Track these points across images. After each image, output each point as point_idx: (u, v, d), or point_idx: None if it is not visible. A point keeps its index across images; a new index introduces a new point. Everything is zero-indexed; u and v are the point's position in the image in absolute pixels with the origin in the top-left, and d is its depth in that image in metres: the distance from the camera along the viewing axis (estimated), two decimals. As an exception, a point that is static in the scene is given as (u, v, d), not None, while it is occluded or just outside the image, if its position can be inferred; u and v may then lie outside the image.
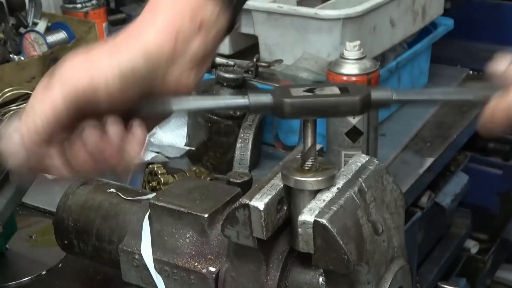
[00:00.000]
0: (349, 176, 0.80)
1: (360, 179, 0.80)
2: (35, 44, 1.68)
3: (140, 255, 0.93)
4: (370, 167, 0.82)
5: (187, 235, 0.90)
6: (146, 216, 0.94)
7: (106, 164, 0.69)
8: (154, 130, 1.45)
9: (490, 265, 2.22)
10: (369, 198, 0.80)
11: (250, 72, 1.44)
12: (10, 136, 0.69)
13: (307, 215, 0.75)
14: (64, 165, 0.69)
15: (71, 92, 0.66)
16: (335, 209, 0.75)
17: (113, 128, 0.68)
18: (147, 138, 0.71)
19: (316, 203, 0.76)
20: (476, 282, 2.15)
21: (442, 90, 0.82)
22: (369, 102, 0.73)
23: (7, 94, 1.51)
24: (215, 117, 1.39)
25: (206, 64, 0.74)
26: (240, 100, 0.74)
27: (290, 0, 1.66)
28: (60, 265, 1.17)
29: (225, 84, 1.40)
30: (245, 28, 1.58)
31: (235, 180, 1.03)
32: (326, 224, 0.73)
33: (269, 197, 0.77)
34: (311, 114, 0.74)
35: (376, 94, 0.74)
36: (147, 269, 0.93)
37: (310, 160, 0.77)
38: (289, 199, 0.80)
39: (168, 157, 1.45)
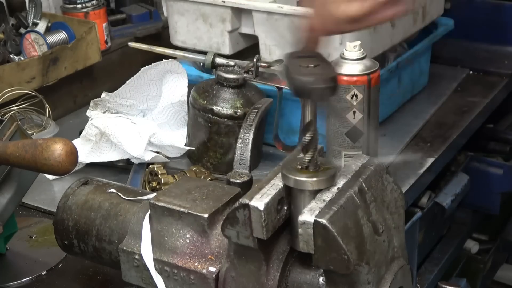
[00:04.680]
0: (349, 176, 0.80)
1: (360, 179, 0.80)
2: (35, 45, 1.68)
3: (140, 255, 0.93)
4: (370, 167, 0.82)
5: (187, 235, 0.90)
6: (146, 216, 0.94)
7: None
8: (154, 130, 1.45)
9: (490, 265, 2.22)
10: (369, 198, 0.80)
11: (250, 72, 1.44)
12: None
13: (307, 215, 0.75)
14: None
15: None
16: (335, 209, 0.75)
17: None
18: None
19: (316, 203, 0.76)
20: (476, 282, 2.15)
21: None
22: None
23: (7, 94, 1.51)
24: (215, 117, 1.39)
25: None
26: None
27: (290, 0, 1.66)
28: (60, 265, 1.17)
29: (225, 84, 1.40)
30: (245, 28, 1.58)
31: (235, 180, 1.03)
32: (327, 224, 0.73)
33: (269, 197, 0.77)
34: None
35: None
36: (147, 269, 0.93)
37: (308, 136, 0.77)
38: (289, 199, 0.80)
39: (168, 157, 1.45)
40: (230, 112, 1.38)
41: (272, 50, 1.53)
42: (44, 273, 1.16)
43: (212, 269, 0.88)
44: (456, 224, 2.08)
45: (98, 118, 1.47)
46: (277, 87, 1.40)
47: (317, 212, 0.75)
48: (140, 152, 1.39)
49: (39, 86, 1.62)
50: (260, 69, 1.46)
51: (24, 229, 1.26)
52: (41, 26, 1.72)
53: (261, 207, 0.76)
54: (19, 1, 1.77)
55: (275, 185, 0.79)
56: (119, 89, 1.49)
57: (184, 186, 0.95)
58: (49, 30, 1.73)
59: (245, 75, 1.41)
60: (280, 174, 0.80)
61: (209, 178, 1.36)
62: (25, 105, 1.54)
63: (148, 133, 1.42)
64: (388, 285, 0.81)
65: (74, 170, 1.11)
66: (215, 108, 1.39)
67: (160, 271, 0.92)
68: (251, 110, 1.32)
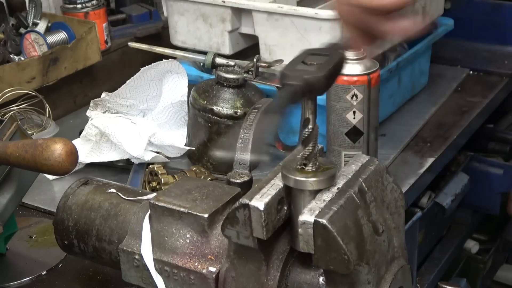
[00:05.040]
0: (349, 176, 0.80)
1: (360, 179, 0.80)
2: (35, 45, 1.68)
3: (140, 255, 0.93)
4: (370, 167, 0.82)
5: (187, 235, 0.90)
6: (146, 216, 0.94)
7: None
8: (154, 130, 1.45)
9: (490, 265, 2.22)
10: (369, 198, 0.80)
11: (250, 72, 1.44)
12: None
13: (307, 215, 0.75)
14: None
15: None
16: (335, 209, 0.75)
17: None
18: None
19: (316, 203, 0.76)
20: (476, 282, 2.15)
21: None
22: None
23: (7, 95, 1.51)
24: (215, 117, 1.39)
25: None
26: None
27: (290, 0, 1.66)
28: (60, 265, 1.17)
29: (225, 84, 1.40)
30: (245, 28, 1.58)
31: (235, 180, 1.03)
32: (327, 224, 0.73)
33: (269, 197, 0.77)
34: None
35: None
36: (147, 269, 0.93)
37: (308, 129, 0.77)
38: (289, 199, 0.80)
39: (168, 157, 1.45)
40: (230, 112, 1.38)
41: (272, 50, 1.53)
42: (44, 273, 1.16)
43: (212, 269, 0.88)
44: (456, 224, 2.08)
45: (98, 118, 1.46)
46: (277, 87, 1.40)
47: (317, 212, 0.75)
48: (140, 152, 1.39)
49: (39, 86, 1.62)
50: (260, 69, 1.46)
51: (24, 229, 1.26)
52: (41, 26, 1.72)
53: (261, 207, 0.76)
54: (19, 1, 1.77)
55: (275, 185, 0.79)
56: (119, 89, 1.49)
57: (184, 186, 0.95)
58: (49, 30, 1.73)
59: (245, 75, 1.41)
60: (280, 174, 0.80)
61: (209, 178, 1.36)
62: (25, 105, 1.54)
63: (148, 133, 1.42)
64: (388, 285, 0.81)
65: (74, 170, 1.11)
66: (215, 108, 1.39)
67: (160, 271, 0.92)
68: (251, 110, 1.32)
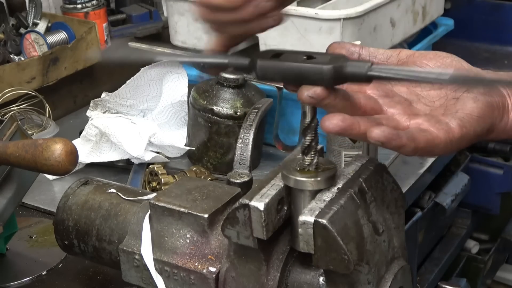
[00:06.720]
0: (349, 176, 0.80)
1: (360, 179, 0.80)
2: (35, 45, 1.68)
3: (140, 255, 0.93)
4: (370, 167, 0.82)
5: (188, 235, 0.90)
6: (146, 216, 0.94)
7: None
8: (154, 130, 1.45)
9: (490, 265, 2.22)
10: (370, 198, 0.79)
11: (250, 72, 1.44)
12: None
13: (307, 215, 0.75)
14: None
15: None
16: (336, 209, 0.75)
17: None
18: None
19: (317, 203, 0.76)
20: (476, 282, 2.15)
21: (422, 71, 0.75)
22: (341, 74, 0.70)
23: (7, 95, 1.51)
24: (216, 118, 1.39)
25: None
26: (219, 60, 0.79)
27: (290, 0, 1.66)
28: (60, 265, 1.17)
29: (225, 84, 1.40)
30: (245, 28, 1.58)
31: (235, 180, 1.03)
32: (327, 224, 0.73)
33: (269, 197, 0.77)
34: (280, 79, 0.74)
35: (351, 67, 0.70)
36: (147, 269, 0.93)
37: (308, 138, 0.77)
38: (289, 199, 0.80)
39: (168, 157, 1.45)
40: (230, 112, 1.38)
41: (272, 50, 1.53)
42: (44, 273, 1.16)
43: (212, 269, 0.88)
44: (456, 224, 2.08)
45: (98, 118, 1.47)
46: (277, 87, 1.40)
47: (317, 212, 0.75)
48: (140, 152, 1.39)
49: (39, 86, 1.62)
50: (260, 69, 1.46)
51: (24, 229, 1.26)
52: (41, 26, 1.72)
53: (261, 207, 0.76)
54: (19, 1, 1.77)
55: (275, 185, 0.79)
56: (119, 89, 1.49)
57: (184, 186, 0.95)
58: (49, 30, 1.73)
59: (245, 76, 1.41)
60: (280, 174, 0.80)
61: (209, 178, 1.36)
62: (25, 105, 1.54)
63: (148, 133, 1.42)
64: (388, 285, 0.81)
65: (74, 170, 1.11)
66: (215, 108, 1.39)
67: (160, 271, 0.92)
68: (251, 110, 1.32)
